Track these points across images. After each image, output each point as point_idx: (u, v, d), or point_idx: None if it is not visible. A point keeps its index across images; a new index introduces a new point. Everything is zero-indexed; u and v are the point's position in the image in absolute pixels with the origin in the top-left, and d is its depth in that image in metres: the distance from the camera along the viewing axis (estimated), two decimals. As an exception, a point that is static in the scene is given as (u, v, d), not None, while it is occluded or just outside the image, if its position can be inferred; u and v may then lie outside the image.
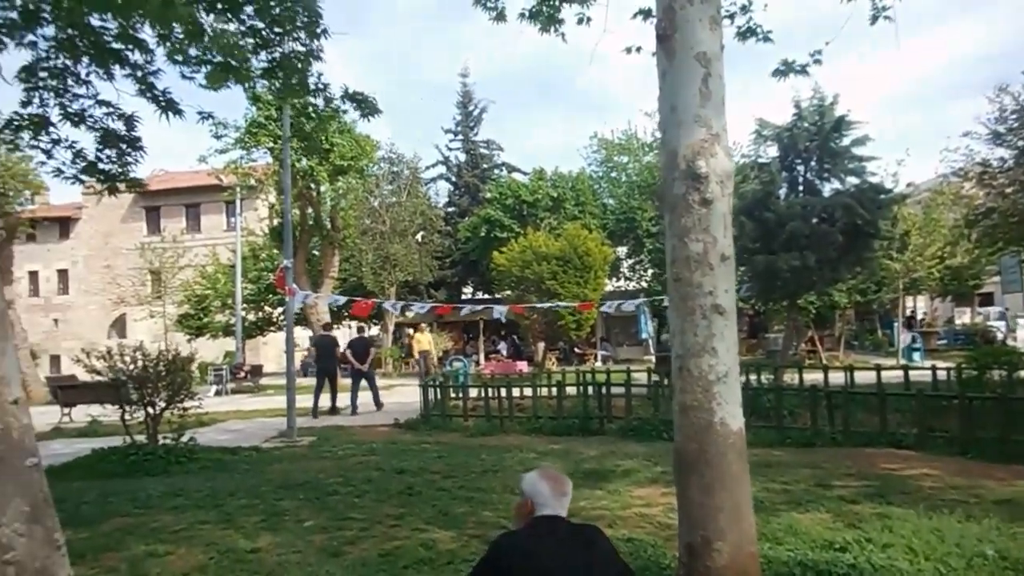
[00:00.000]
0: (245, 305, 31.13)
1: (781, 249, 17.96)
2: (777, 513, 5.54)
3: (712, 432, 3.58)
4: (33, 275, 42.98)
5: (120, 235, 41.95)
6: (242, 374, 25.42)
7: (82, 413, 14.50)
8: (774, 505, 5.80)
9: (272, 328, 34.58)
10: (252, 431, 12.88)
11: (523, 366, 25.69)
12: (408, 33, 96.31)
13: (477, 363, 28.80)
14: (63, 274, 43.79)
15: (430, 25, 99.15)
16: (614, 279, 33.70)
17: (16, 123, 5.08)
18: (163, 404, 9.50)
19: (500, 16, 6.69)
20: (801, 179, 19.92)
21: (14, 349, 3.79)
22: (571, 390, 12.42)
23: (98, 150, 5.47)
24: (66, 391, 16.45)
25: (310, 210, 24.54)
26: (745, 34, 6.24)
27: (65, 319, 42.87)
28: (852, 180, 19.24)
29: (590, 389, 11.98)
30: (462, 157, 39.97)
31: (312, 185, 23.49)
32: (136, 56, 5.12)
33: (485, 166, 39.58)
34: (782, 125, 19.84)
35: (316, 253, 28.08)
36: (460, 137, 40.16)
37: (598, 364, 27.78)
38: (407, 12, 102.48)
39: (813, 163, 19.62)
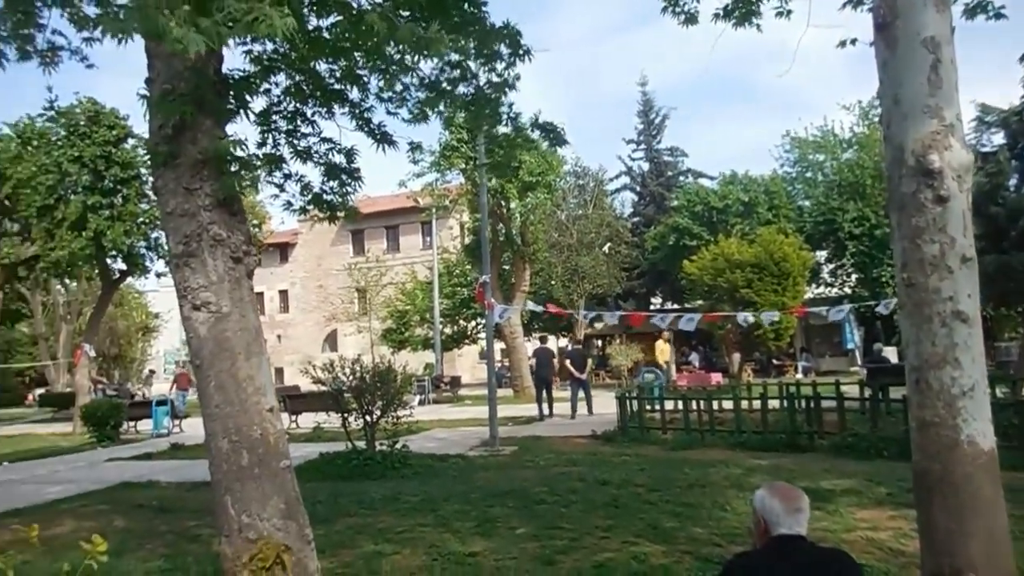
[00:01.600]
0: (442, 319, 32.77)
1: (1013, 247, 16.06)
2: (1033, 544, 4.91)
3: (958, 451, 3.27)
4: (259, 296, 47.98)
5: (330, 257, 45.86)
6: (442, 385, 26.77)
7: (307, 420, 15.92)
8: (1028, 535, 5.15)
9: (467, 341, 36.09)
10: (456, 439, 13.47)
11: (718, 378, 24.81)
12: (588, 46, 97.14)
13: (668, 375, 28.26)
14: (284, 294, 48.69)
15: (609, 37, 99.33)
16: (813, 285, 31.67)
17: (253, 163, 5.67)
18: (379, 412, 10.25)
19: (690, 19, 6.52)
20: (1036, 167, 17.72)
21: (267, 362, 4.27)
22: (774, 403, 11.83)
23: (323, 182, 5.94)
24: (293, 400, 18.20)
25: (501, 226, 25.36)
26: (974, 10, 5.58)
27: (287, 335, 47.49)
28: (1101, 165, 16.83)
29: (797, 402, 11.33)
30: (645, 166, 39.63)
31: (503, 202, 24.29)
32: (354, 94, 5.55)
33: (670, 174, 38.95)
34: (1009, 109, 17.76)
35: (507, 268, 28.97)
36: (643, 146, 39.86)
37: (799, 376, 26.22)
38: (587, 27, 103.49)
39: (1051, 148, 17.39)
